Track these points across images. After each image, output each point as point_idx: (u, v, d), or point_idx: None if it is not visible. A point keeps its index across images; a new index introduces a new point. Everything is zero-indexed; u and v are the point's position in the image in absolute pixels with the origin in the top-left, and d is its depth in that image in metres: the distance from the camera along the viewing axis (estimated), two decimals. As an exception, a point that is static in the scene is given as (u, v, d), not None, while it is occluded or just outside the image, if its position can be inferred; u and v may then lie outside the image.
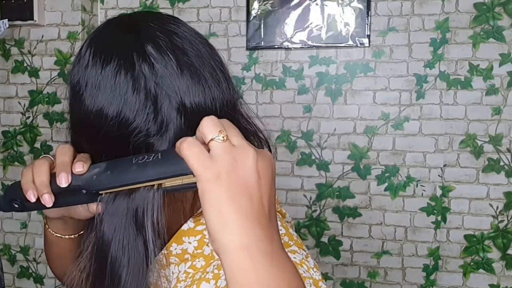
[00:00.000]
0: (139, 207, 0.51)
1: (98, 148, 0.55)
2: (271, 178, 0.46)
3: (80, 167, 0.53)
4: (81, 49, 0.59)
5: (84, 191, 0.53)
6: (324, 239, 2.00)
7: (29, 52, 2.03)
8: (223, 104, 0.57)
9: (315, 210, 2.00)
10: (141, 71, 0.54)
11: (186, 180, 0.49)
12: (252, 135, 0.61)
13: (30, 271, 2.11)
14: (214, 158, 0.44)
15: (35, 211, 1.74)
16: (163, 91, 0.54)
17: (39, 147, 2.05)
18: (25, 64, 2.04)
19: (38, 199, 0.53)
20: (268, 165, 0.46)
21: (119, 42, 0.56)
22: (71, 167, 0.53)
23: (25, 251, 2.10)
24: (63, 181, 0.52)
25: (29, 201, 0.54)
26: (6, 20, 1.85)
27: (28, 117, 2.05)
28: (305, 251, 0.58)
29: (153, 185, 0.50)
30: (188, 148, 0.45)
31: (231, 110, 0.58)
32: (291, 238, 0.59)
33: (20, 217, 2.10)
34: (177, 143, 0.47)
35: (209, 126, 0.46)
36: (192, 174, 0.46)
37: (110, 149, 0.54)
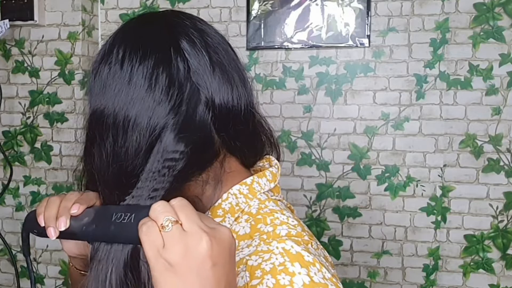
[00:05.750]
0: (127, 257, 0.51)
1: (118, 147, 0.56)
2: (229, 261, 0.45)
3: (75, 209, 0.56)
4: (110, 45, 0.58)
5: None
6: (324, 239, 2.00)
7: (30, 52, 2.03)
8: (247, 104, 0.59)
9: (315, 210, 2.00)
10: (177, 65, 0.55)
11: None
12: (265, 135, 0.64)
13: (31, 271, 2.11)
14: (165, 247, 0.43)
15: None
16: (196, 86, 0.55)
17: (39, 147, 2.05)
18: (25, 64, 2.04)
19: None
20: (224, 248, 0.44)
21: (154, 38, 0.57)
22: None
23: (25, 251, 2.10)
24: (62, 225, 0.56)
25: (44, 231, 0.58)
26: (7, 20, 1.85)
27: (29, 117, 2.05)
28: (316, 242, 0.59)
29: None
30: (145, 233, 0.44)
31: (254, 110, 0.60)
32: (303, 229, 0.59)
33: (21, 217, 2.10)
34: (140, 224, 0.46)
35: (156, 212, 0.45)
36: None
37: (136, 145, 0.55)
